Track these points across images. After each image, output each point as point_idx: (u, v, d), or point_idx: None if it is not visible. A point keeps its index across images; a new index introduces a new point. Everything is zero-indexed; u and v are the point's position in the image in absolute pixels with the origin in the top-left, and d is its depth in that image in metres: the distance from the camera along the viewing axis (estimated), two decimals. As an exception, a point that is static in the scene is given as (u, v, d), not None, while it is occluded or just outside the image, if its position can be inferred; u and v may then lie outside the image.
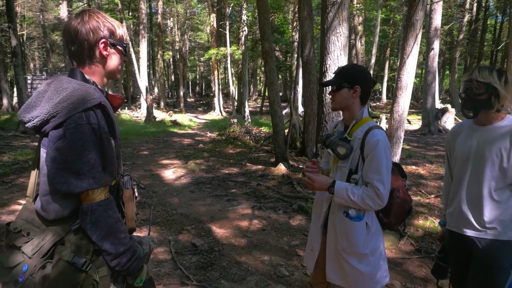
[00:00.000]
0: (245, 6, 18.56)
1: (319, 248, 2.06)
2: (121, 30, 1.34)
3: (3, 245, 1.24)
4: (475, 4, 24.22)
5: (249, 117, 14.85)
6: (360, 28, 20.97)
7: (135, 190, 1.41)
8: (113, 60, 1.33)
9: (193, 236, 4.17)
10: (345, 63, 5.33)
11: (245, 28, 18.77)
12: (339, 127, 2.07)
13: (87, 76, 1.27)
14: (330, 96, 1.99)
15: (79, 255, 1.13)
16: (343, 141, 1.91)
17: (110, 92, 1.39)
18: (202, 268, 3.43)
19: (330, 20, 5.17)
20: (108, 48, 1.29)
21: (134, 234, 1.47)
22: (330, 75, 5.33)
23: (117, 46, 1.32)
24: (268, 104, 27.53)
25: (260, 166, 7.53)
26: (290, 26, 20.20)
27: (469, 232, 1.94)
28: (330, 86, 2.01)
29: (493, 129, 1.88)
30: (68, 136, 1.10)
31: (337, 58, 5.25)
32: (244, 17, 18.59)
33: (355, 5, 17.47)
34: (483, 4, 25.70)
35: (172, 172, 7.29)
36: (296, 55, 13.81)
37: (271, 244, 4.03)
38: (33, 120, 1.14)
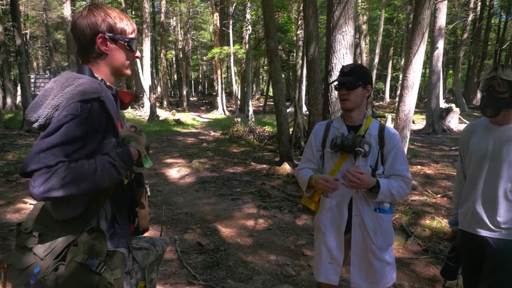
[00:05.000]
0: (249, 5, 18.50)
1: (343, 257, 2.03)
2: (124, 24, 1.26)
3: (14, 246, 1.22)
4: (479, 3, 24.07)
5: (252, 116, 14.80)
6: (364, 27, 20.90)
7: (147, 189, 1.38)
8: (116, 56, 1.26)
9: (198, 235, 4.16)
10: (351, 62, 5.30)
11: (249, 27, 18.69)
12: (339, 128, 2.03)
13: (95, 74, 1.24)
14: (342, 94, 1.94)
15: (92, 256, 1.10)
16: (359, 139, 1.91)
17: (121, 89, 1.34)
18: (209, 268, 3.42)
19: (336, 19, 5.14)
20: (108, 43, 1.23)
21: (147, 234, 1.45)
22: (336, 74, 5.29)
23: (119, 41, 1.25)
24: (271, 103, 27.35)
25: (265, 165, 7.51)
26: (294, 25, 20.12)
27: (483, 232, 1.92)
28: (335, 85, 1.99)
29: (511, 129, 1.85)
30: (55, 121, 1.07)
31: (343, 57, 5.20)
32: (248, 16, 18.52)
33: (360, 4, 17.40)
34: (487, 3, 25.54)
35: (176, 171, 7.29)
36: (301, 54, 13.76)
37: (277, 243, 4.02)
38: (39, 120, 1.11)
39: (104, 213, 1.20)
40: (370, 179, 1.82)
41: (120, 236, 1.22)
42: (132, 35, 1.29)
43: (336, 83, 1.99)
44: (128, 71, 1.33)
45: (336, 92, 5.74)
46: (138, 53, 1.34)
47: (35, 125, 1.13)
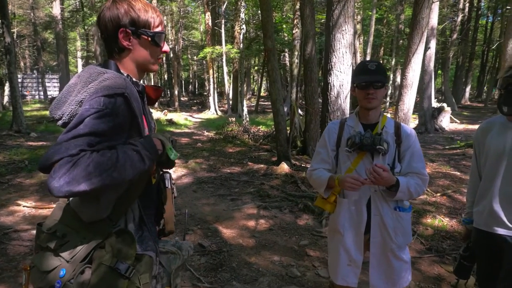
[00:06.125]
0: (243, 4, 18.40)
1: (362, 258, 2.00)
2: (149, 16, 1.18)
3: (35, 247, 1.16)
4: (467, 5, 24.46)
5: (247, 115, 14.73)
6: (358, 27, 21.00)
7: (174, 189, 1.32)
8: (140, 52, 1.19)
9: (199, 237, 4.09)
10: (350, 61, 5.29)
11: (243, 26, 18.59)
12: (354, 126, 2.00)
13: (120, 69, 1.19)
14: (370, 94, 1.89)
15: (121, 259, 1.04)
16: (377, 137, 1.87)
17: (148, 84, 1.28)
18: (212, 270, 3.35)
19: (335, 18, 5.12)
20: (131, 38, 1.17)
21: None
22: (335, 73, 5.28)
23: (143, 36, 1.17)
24: (262, 103, 27.15)
25: (262, 165, 7.46)
26: (287, 24, 20.08)
27: (500, 231, 1.90)
28: (359, 84, 1.94)
29: None
30: (78, 115, 1.01)
31: (342, 56, 5.20)
32: (242, 15, 18.41)
33: (355, 4, 17.46)
34: (475, 4, 25.97)
35: (172, 171, 7.18)
36: (296, 53, 13.73)
37: (279, 244, 3.97)
38: (63, 117, 1.06)
39: (132, 215, 1.14)
40: (391, 177, 1.80)
41: (148, 239, 1.16)
42: (159, 28, 1.21)
43: (356, 82, 1.94)
44: (155, 67, 1.25)
45: (336, 91, 5.68)
46: (166, 47, 1.25)
47: (59, 122, 1.08)
